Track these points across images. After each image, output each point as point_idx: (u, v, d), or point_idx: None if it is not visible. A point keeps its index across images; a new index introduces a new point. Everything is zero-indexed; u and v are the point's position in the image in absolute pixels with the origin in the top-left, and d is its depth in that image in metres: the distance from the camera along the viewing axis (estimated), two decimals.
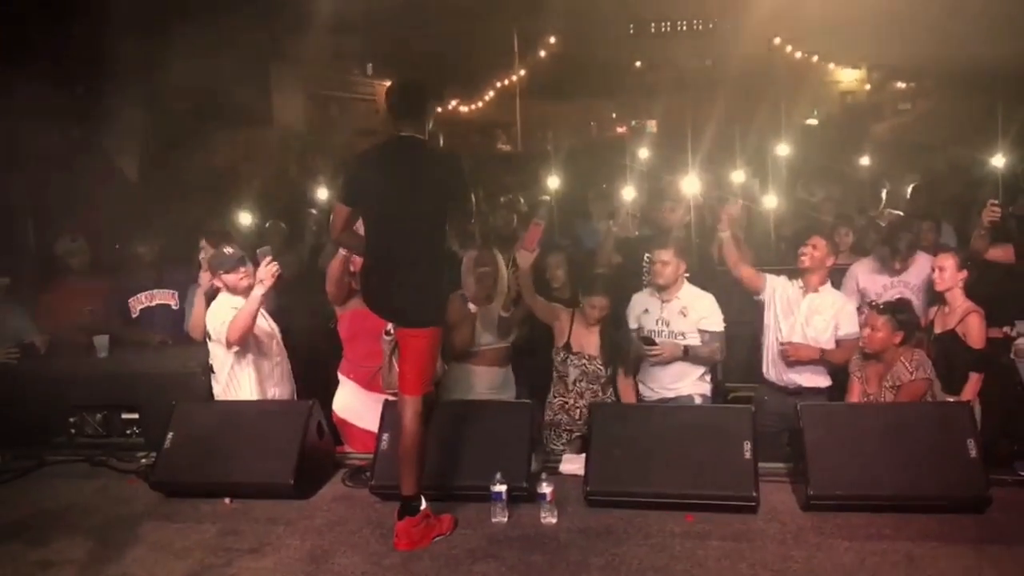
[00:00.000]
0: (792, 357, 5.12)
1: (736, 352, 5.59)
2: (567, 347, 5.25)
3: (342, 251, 4.74)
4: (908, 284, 5.42)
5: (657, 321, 5.24)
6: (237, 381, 4.93)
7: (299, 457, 4.39)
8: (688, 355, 5.15)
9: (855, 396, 4.94)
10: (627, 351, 5.24)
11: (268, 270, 4.72)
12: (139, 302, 6.11)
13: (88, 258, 6.31)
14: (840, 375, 5.21)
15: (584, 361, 5.20)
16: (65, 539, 4.07)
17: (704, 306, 5.21)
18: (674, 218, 6.31)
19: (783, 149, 11.27)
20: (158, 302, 6.12)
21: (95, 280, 6.27)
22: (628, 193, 7.29)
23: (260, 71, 18.17)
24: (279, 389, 5.10)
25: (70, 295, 6.11)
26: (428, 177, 3.82)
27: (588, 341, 5.22)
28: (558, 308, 5.39)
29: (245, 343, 4.83)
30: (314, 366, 5.49)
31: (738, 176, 8.62)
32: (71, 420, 5.26)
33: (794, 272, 5.32)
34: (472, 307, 5.11)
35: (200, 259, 5.48)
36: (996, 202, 5.50)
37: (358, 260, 4.45)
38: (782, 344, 5.15)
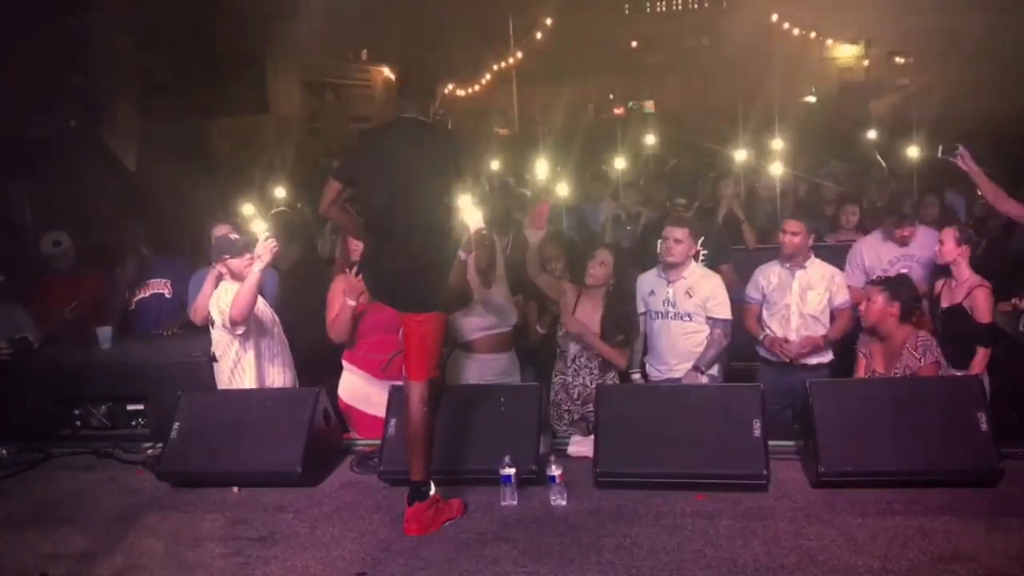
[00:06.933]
0: (796, 357, 5.18)
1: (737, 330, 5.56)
2: None
3: (349, 301, 4.76)
4: (913, 257, 5.38)
5: (664, 302, 5.20)
6: (241, 367, 4.91)
7: (306, 444, 4.36)
8: (704, 368, 5.10)
9: (861, 373, 4.93)
10: (632, 327, 5.18)
11: (266, 246, 4.71)
12: (134, 294, 6.12)
13: (72, 257, 6.33)
14: (842, 348, 5.23)
15: None
16: (74, 530, 4.05)
17: (710, 287, 5.15)
18: (728, 193, 6.29)
19: (783, 128, 11.18)
20: (152, 292, 6.14)
21: (84, 276, 6.29)
22: (632, 173, 7.25)
23: (255, 59, 18.07)
24: (283, 376, 5.08)
25: (56, 293, 6.14)
26: (430, 159, 3.78)
27: (592, 319, 5.14)
28: (564, 284, 5.34)
29: (247, 321, 4.80)
30: (314, 354, 5.46)
31: (740, 155, 8.57)
32: (76, 412, 5.25)
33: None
34: (461, 254, 5.06)
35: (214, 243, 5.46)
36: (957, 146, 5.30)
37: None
38: (782, 347, 5.22)
